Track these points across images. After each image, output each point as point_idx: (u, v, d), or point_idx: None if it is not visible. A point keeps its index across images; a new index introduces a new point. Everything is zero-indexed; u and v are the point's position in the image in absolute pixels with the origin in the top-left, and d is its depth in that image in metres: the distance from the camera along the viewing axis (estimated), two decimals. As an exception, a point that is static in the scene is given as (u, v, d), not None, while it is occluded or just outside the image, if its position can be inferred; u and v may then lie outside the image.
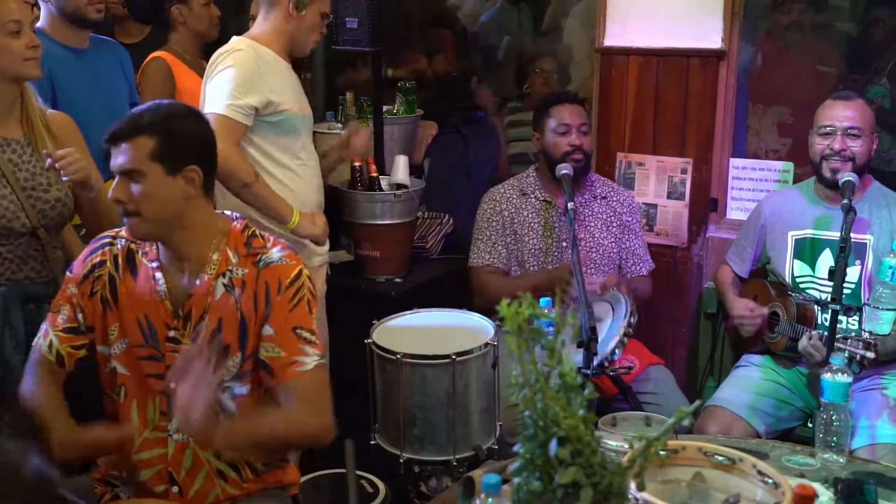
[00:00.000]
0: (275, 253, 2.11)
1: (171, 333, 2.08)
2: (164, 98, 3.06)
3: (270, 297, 2.06)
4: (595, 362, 2.69)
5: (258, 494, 2.19)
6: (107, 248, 2.15)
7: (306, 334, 2.07)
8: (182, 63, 3.47)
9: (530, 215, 3.33)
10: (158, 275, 2.10)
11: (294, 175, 2.98)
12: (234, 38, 2.98)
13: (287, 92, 2.95)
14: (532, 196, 3.34)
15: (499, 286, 3.24)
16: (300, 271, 2.11)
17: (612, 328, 2.89)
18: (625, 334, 2.83)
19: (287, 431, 2.04)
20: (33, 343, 2.18)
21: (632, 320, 2.88)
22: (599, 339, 2.81)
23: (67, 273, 2.20)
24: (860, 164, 2.88)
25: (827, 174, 2.92)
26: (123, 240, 2.15)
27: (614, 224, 3.35)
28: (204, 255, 2.09)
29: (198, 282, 2.08)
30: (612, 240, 3.34)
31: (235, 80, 2.82)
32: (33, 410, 2.08)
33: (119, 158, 2.00)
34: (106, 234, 2.21)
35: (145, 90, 3.39)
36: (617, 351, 2.80)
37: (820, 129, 2.92)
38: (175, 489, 2.12)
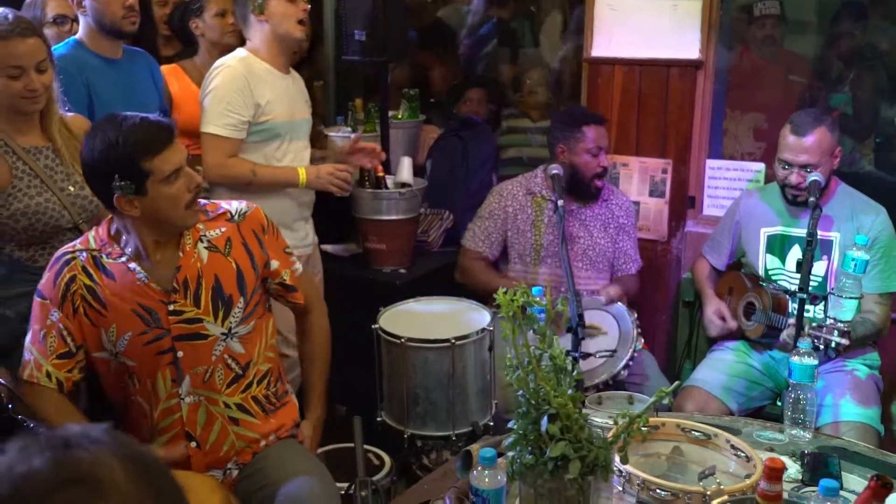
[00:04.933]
0: (240, 206, 2.22)
1: (172, 307, 2.07)
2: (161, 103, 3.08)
3: (261, 239, 2.21)
4: (606, 376, 2.80)
5: (274, 446, 2.21)
6: (72, 263, 2.08)
7: (289, 250, 2.32)
8: (187, 76, 3.39)
9: (534, 213, 3.30)
10: (133, 265, 2.06)
11: None
12: (234, 52, 2.98)
13: (277, 100, 2.91)
14: (538, 195, 3.31)
15: (480, 276, 3.28)
16: (262, 211, 2.27)
17: (621, 352, 2.90)
18: (631, 358, 2.89)
19: (327, 357, 2.41)
20: (25, 376, 2.06)
21: (637, 345, 2.93)
22: (611, 355, 2.87)
23: (36, 298, 2.08)
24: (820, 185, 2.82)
25: (788, 197, 2.91)
26: (83, 252, 2.09)
27: (611, 225, 3.33)
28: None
29: (181, 254, 2.09)
30: (608, 240, 3.32)
31: (225, 98, 2.82)
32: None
33: (180, 154, 2.04)
34: (60, 252, 2.12)
35: None
36: (623, 373, 2.86)
37: (779, 159, 2.88)
38: (193, 444, 2.13)
